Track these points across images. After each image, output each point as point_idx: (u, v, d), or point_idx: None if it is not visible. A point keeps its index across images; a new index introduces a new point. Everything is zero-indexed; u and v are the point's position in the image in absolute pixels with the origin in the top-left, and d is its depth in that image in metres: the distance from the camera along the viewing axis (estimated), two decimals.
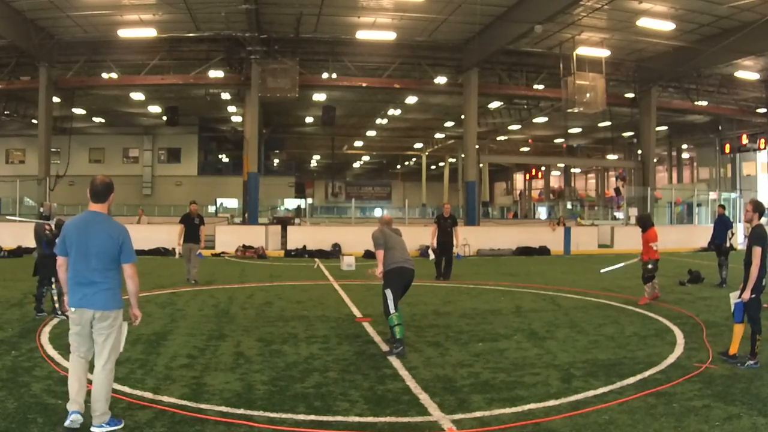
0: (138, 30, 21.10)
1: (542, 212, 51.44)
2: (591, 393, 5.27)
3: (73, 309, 4.32)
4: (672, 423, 4.54)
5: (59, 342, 6.88)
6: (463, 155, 27.80)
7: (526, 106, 31.68)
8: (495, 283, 13.15)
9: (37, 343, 6.84)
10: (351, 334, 7.75)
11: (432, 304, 10.12)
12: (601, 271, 12.57)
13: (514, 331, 7.99)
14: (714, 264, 13.23)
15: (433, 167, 57.95)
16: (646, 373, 5.85)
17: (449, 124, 38.19)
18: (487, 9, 19.49)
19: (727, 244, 13.23)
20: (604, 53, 22.99)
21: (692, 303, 10.34)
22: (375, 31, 21.94)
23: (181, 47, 23.52)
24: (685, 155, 44.54)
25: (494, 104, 31.19)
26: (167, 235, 20.53)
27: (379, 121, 38.54)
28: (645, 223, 10.72)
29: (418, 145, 49.81)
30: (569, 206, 47.71)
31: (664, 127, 36.38)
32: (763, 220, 6.52)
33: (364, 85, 25.42)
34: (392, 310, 6.78)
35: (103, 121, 37.29)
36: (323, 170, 63.47)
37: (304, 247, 20.36)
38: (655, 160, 30.78)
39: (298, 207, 41.99)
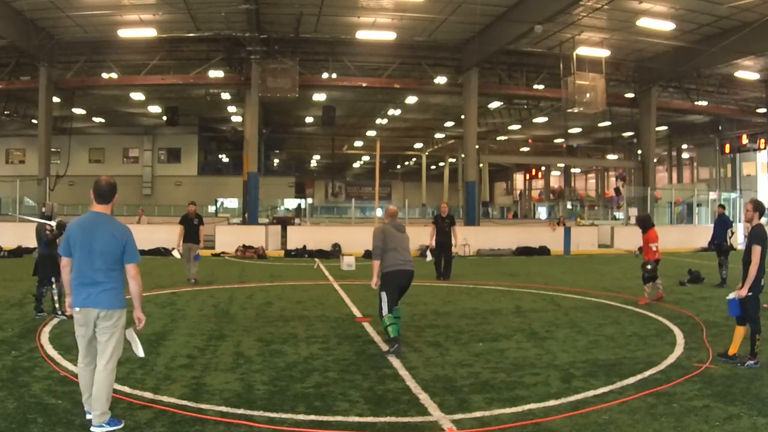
0: (138, 30, 21.11)
1: (542, 212, 51.46)
2: (591, 393, 5.27)
3: (77, 309, 4.34)
4: (672, 423, 4.54)
5: (59, 342, 6.89)
6: (463, 155, 27.81)
7: (526, 106, 31.68)
8: (495, 283, 13.15)
9: (37, 343, 6.83)
10: (351, 334, 7.75)
11: (432, 304, 10.12)
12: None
13: (514, 331, 7.99)
14: (714, 264, 13.23)
15: (433, 167, 57.95)
16: (646, 373, 5.85)
17: (449, 124, 38.20)
18: (487, 9, 19.49)
19: (728, 243, 13.23)
20: (604, 53, 23.00)
21: (692, 303, 10.34)
22: (375, 31, 21.95)
23: (181, 47, 23.52)
24: (685, 155, 44.55)
25: (494, 104, 31.19)
26: (167, 235, 20.51)
27: (379, 121, 38.55)
28: (645, 223, 10.71)
29: (418, 145, 49.81)
30: (569, 206, 47.72)
31: (664, 127, 36.39)
32: (763, 219, 6.52)
33: (364, 85, 25.42)
34: (386, 312, 6.76)
35: (103, 121, 37.30)
36: (323, 170, 63.47)
37: (304, 247, 20.36)
38: (655, 160, 30.78)
39: (298, 207, 42.02)
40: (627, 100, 27.48)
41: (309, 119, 37.62)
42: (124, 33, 21.09)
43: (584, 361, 6.40)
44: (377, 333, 7.69)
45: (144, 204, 34.15)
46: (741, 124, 33.68)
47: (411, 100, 30.38)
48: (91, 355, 4.38)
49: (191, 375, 5.72)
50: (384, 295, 6.82)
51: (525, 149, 47.98)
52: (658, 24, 19.87)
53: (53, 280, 8.30)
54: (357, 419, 4.65)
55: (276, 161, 47.38)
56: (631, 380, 5.63)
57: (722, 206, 15.26)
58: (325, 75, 24.34)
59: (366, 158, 59.86)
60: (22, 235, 19.67)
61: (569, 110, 23.92)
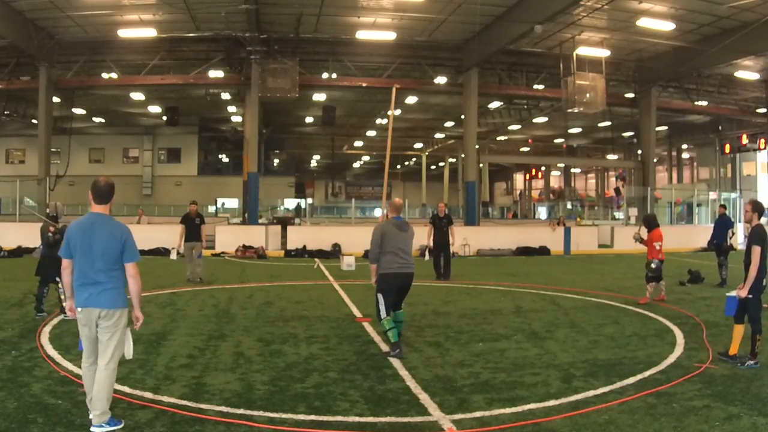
0: (138, 30, 21.11)
1: (542, 212, 51.45)
2: (591, 393, 5.27)
3: (79, 309, 4.36)
4: (672, 423, 4.54)
5: (59, 342, 6.89)
6: (463, 155, 27.81)
7: (526, 106, 31.68)
8: (495, 283, 13.15)
9: (37, 343, 6.84)
10: (351, 334, 7.75)
11: (432, 304, 10.12)
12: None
13: (514, 331, 7.99)
14: (714, 264, 13.23)
15: (433, 167, 57.95)
16: (646, 373, 5.85)
17: (449, 124, 38.19)
18: (487, 9, 19.48)
19: (728, 243, 13.23)
20: (604, 53, 23.00)
21: (692, 303, 10.34)
22: (375, 31, 21.95)
23: (181, 47, 23.52)
24: (685, 155, 44.55)
25: (494, 104, 31.18)
26: (167, 235, 20.54)
27: (379, 121, 38.55)
28: (650, 222, 10.77)
29: (418, 145, 49.80)
30: (569, 206, 47.72)
31: (664, 127, 36.39)
32: (762, 219, 6.52)
33: (364, 85, 25.41)
34: (383, 314, 6.62)
35: (103, 121, 37.29)
36: (323, 170, 63.46)
37: (304, 247, 20.35)
38: (655, 160, 30.78)
39: (298, 206, 42.01)
40: (627, 100, 27.48)
41: (309, 119, 37.61)
42: (124, 33, 21.08)
43: (584, 361, 6.40)
44: (377, 333, 7.69)
45: (144, 204, 34.13)
46: (741, 124, 33.69)
47: (411, 100, 30.37)
48: (96, 355, 4.39)
49: (191, 375, 5.73)
50: (380, 296, 6.68)
51: (525, 149, 47.97)
52: (658, 24, 19.86)
53: (58, 279, 8.29)
54: (357, 419, 4.65)
55: (276, 161, 47.38)
56: (631, 380, 5.63)
57: (723, 206, 15.26)
58: (325, 75, 24.34)
59: (366, 158, 59.86)
60: (22, 235, 19.69)
61: (569, 110, 23.93)
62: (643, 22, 19.76)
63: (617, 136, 35.67)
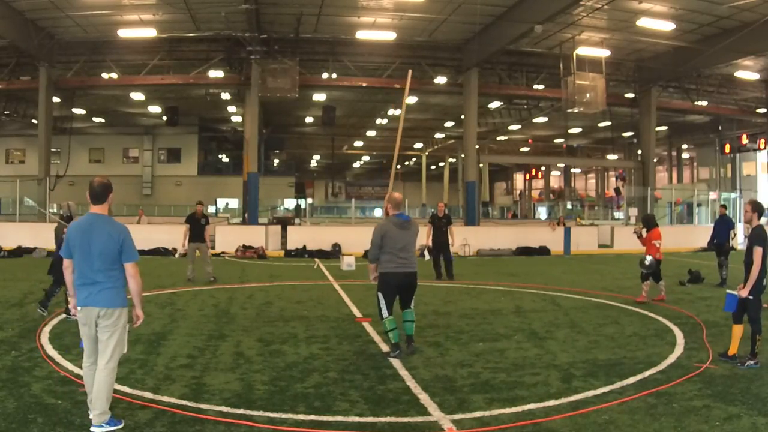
0: (138, 30, 21.12)
1: (542, 212, 51.46)
2: (591, 393, 5.27)
3: (79, 308, 4.38)
4: (672, 423, 4.54)
5: (59, 342, 6.89)
6: (463, 155, 27.81)
7: (526, 106, 31.68)
8: (495, 283, 13.15)
9: (37, 343, 6.83)
10: (351, 334, 7.74)
11: (432, 304, 10.12)
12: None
13: (514, 331, 7.99)
14: (714, 264, 13.23)
15: (433, 167, 57.96)
16: (646, 373, 5.85)
17: (449, 124, 38.20)
18: (487, 9, 19.49)
19: (730, 244, 13.23)
20: (604, 53, 23.00)
21: (692, 303, 10.34)
22: (375, 31, 21.95)
23: (181, 47, 23.53)
24: (685, 155, 44.56)
25: (494, 104, 31.18)
26: (167, 235, 20.56)
27: (379, 121, 38.55)
28: (649, 222, 10.80)
29: (418, 145, 49.80)
30: (569, 206, 47.73)
31: (664, 127, 36.39)
32: (762, 219, 6.52)
33: (364, 85, 25.43)
34: (385, 314, 6.52)
35: (103, 121, 37.31)
36: (323, 170, 63.47)
37: (304, 247, 20.35)
38: (655, 160, 30.79)
39: (298, 206, 42.00)
40: (627, 100, 27.48)
41: (309, 119, 37.61)
42: (124, 33, 21.10)
43: (584, 361, 6.40)
44: (377, 333, 7.69)
45: (144, 204, 34.17)
46: (741, 124, 33.69)
47: (411, 100, 30.34)
48: (96, 355, 4.40)
49: (191, 375, 5.73)
50: (380, 296, 6.58)
51: (525, 149, 47.97)
52: (658, 24, 19.87)
53: None
54: (357, 419, 4.65)
55: (276, 161, 47.37)
56: (631, 380, 5.63)
57: (724, 206, 15.26)
58: (325, 75, 24.34)
59: (366, 158, 59.86)
60: (22, 235, 19.71)
61: (569, 110, 23.93)
62: (643, 22, 19.77)
63: (617, 136, 35.68)
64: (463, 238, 19.92)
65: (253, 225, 22.76)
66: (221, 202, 37.96)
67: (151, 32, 21.18)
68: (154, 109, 32.97)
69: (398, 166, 61.42)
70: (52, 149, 25.07)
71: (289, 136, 45.37)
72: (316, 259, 18.81)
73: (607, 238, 24.40)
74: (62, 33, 22.07)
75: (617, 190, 35.35)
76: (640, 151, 29.33)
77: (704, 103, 28.25)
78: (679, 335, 7.64)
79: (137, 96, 29.24)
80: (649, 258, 10.35)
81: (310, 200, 56.18)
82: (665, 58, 24.13)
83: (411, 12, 20.24)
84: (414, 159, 57.29)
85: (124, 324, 4.44)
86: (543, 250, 21.64)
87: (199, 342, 7.11)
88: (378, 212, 56.81)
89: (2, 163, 39.34)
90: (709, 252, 16.02)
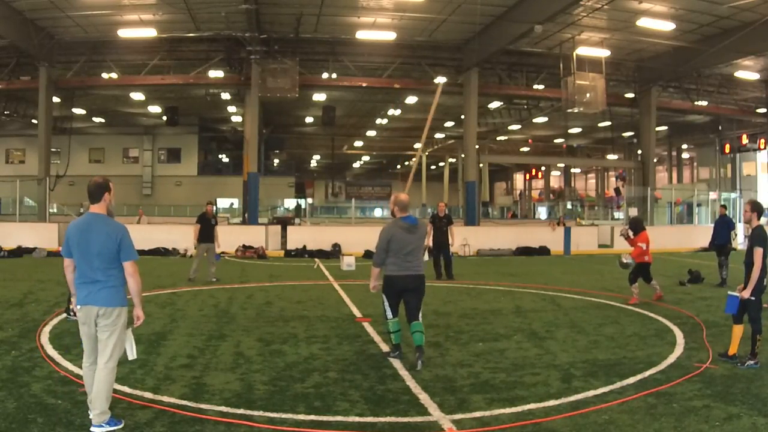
0: (138, 30, 21.11)
1: (542, 212, 51.46)
2: (591, 393, 5.27)
3: (79, 307, 4.39)
4: (672, 423, 4.54)
5: (59, 342, 6.89)
6: (463, 155, 27.81)
7: (526, 106, 31.67)
8: (495, 283, 13.15)
9: (37, 343, 6.83)
10: (351, 334, 7.74)
11: (432, 304, 10.10)
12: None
13: (514, 331, 7.99)
14: (714, 264, 13.23)
15: (433, 167, 57.96)
16: (646, 373, 5.85)
17: (449, 124, 38.18)
18: (487, 9, 19.49)
19: (731, 244, 13.23)
20: (604, 53, 23.00)
21: (692, 303, 10.34)
22: (375, 31, 21.95)
23: (181, 47, 23.52)
24: (685, 155, 44.56)
25: (494, 104, 31.18)
26: (167, 234, 20.60)
27: (379, 121, 38.55)
28: (636, 226, 10.80)
29: (418, 145, 49.74)
30: (569, 206, 47.72)
31: (664, 127, 36.39)
32: (762, 220, 6.52)
33: (364, 85, 25.42)
34: (389, 315, 6.39)
35: (103, 121, 37.31)
36: (323, 170, 63.49)
37: (304, 247, 20.35)
38: (655, 160, 30.78)
39: (298, 206, 42.00)
40: (627, 100, 27.48)
41: (309, 119, 37.61)
42: (124, 33, 21.09)
43: (584, 361, 6.40)
44: (377, 333, 7.70)
45: (144, 204, 34.14)
46: (741, 124, 33.68)
47: (411, 100, 30.38)
48: (96, 355, 4.41)
49: (191, 375, 5.73)
50: (384, 297, 6.45)
51: (525, 149, 47.97)
52: (658, 24, 19.86)
53: None
54: (357, 419, 4.65)
55: (276, 161, 47.38)
56: (631, 380, 5.63)
57: (724, 206, 15.26)
58: (325, 75, 24.34)
59: (366, 158, 59.87)
60: (22, 235, 19.72)
61: (569, 110, 23.94)
62: (643, 22, 19.76)
63: (617, 136, 35.68)
64: (463, 238, 19.92)
65: (253, 225, 22.76)
66: (226, 202, 37.91)
67: (151, 32, 21.17)
68: (154, 109, 32.97)
69: (398, 166, 61.69)
70: (52, 149, 25.06)
71: (289, 136, 45.37)
72: (316, 259, 18.81)
73: (607, 238, 24.40)
74: (62, 33, 22.07)
75: (617, 190, 35.37)
76: (640, 151, 29.33)
77: (704, 103, 28.24)
78: (679, 335, 7.64)
79: (137, 96, 29.24)
80: (627, 256, 10.52)
81: (310, 200, 56.19)
82: (665, 58, 24.13)
83: (411, 12, 20.24)
84: (414, 159, 57.28)
85: (123, 323, 4.44)
86: (543, 250, 21.64)
87: (199, 342, 7.11)
88: (378, 212, 56.90)
89: (2, 163, 39.34)
90: (709, 252, 16.03)
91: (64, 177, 25.09)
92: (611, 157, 41.92)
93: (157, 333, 7.47)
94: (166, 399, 4.99)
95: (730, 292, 6.42)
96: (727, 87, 28.34)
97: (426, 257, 13.42)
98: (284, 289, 11.92)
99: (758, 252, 6.13)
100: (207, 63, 23.60)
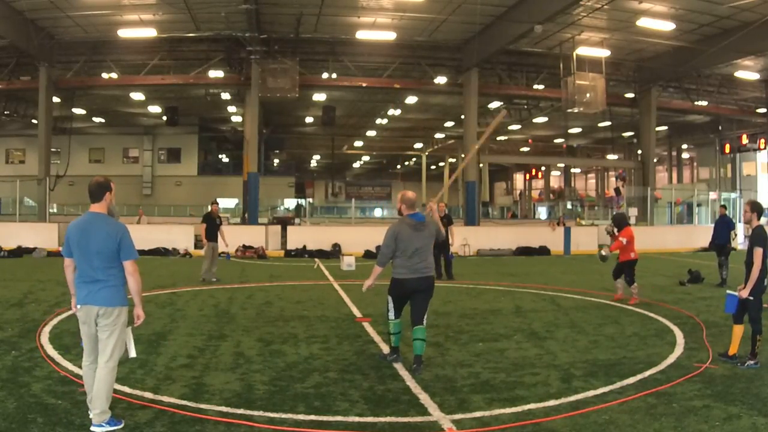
0: (138, 30, 21.12)
1: (542, 212, 51.46)
2: (591, 393, 5.27)
3: (78, 306, 4.40)
4: (672, 423, 4.54)
5: (59, 342, 6.89)
6: (463, 155, 27.79)
7: (526, 106, 31.67)
8: (495, 283, 13.15)
9: (37, 343, 6.83)
10: (351, 334, 7.74)
11: (432, 304, 9.90)
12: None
13: (514, 331, 7.99)
14: (714, 264, 13.23)
15: (433, 167, 57.97)
16: (646, 373, 5.85)
17: (449, 124, 38.21)
18: (487, 9, 19.49)
19: (731, 244, 13.22)
20: (604, 53, 23.01)
21: (692, 303, 10.34)
22: (375, 31, 21.96)
23: (181, 47, 23.53)
24: (685, 155, 44.57)
25: (494, 104, 31.17)
26: (167, 234, 20.60)
27: (379, 121, 38.56)
28: (620, 222, 10.85)
29: (418, 145, 49.82)
30: (569, 206, 47.71)
31: (664, 127, 36.40)
32: (762, 220, 6.52)
33: (364, 85, 25.43)
34: (391, 316, 6.22)
35: (103, 121, 37.31)
36: (323, 170, 63.50)
37: (304, 247, 20.35)
38: (655, 160, 30.79)
39: (298, 206, 41.99)
40: (627, 100, 27.49)
41: (309, 119, 37.62)
42: (124, 33, 21.09)
43: (584, 361, 6.40)
44: (377, 333, 7.70)
45: (144, 204, 34.15)
46: (741, 124, 33.69)
47: (411, 100, 30.39)
48: (96, 354, 4.41)
49: (191, 375, 5.72)
50: (389, 299, 6.25)
51: (525, 149, 47.98)
52: (658, 24, 19.87)
53: None
54: (357, 419, 4.65)
55: (276, 161, 47.40)
56: (631, 380, 5.63)
57: (724, 206, 15.26)
58: (325, 75, 24.35)
59: (366, 158, 59.86)
60: (22, 235, 19.71)
61: (569, 110, 23.94)
62: (643, 22, 19.77)
63: (617, 136, 35.69)
64: (463, 238, 19.93)
65: (253, 225, 22.76)
66: (229, 202, 37.87)
67: (151, 32, 21.18)
68: (154, 109, 32.97)
69: (398, 166, 61.69)
70: (52, 149, 25.07)
71: (289, 136, 45.38)
72: (316, 259, 18.81)
73: (607, 238, 24.28)
74: (62, 33, 22.07)
75: (617, 190, 35.34)
76: (640, 151, 29.34)
77: (704, 103, 28.25)
78: (679, 335, 7.64)
79: (137, 96, 29.24)
80: (606, 249, 10.82)
81: (310, 200, 56.20)
82: (665, 58, 24.13)
83: (411, 12, 20.25)
84: (414, 159, 57.31)
85: (123, 323, 4.44)
86: (543, 250, 21.64)
87: (199, 342, 7.11)
88: (378, 212, 56.88)
89: (2, 163, 39.35)
90: (709, 252, 16.04)
91: (64, 177, 25.09)
92: (611, 157, 41.93)
93: (157, 333, 7.47)
94: (166, 399, 4.99)
95: (728, 292, 6.42)
96: (727, 87, 28.35)
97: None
98: (284, 289, 11.92)
99: (758, 252, 6.13)
100: (207, 63, 23.61)
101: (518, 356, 6.61)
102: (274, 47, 22.51)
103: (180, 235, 20.60)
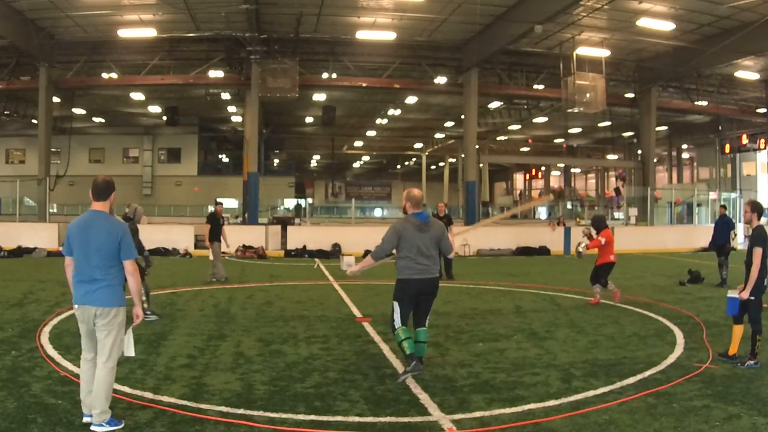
0: (138, 30, 21.11)
1: (542, 212, 51.43)
2: (591, 393, 5.27)
3: (76, 306, 4.38)
4: (672, 423, 4.54)
5: (59, 342, 6.89)
6: (463, 155, 27.81)
7: (526, 106, 31.68)
8: (495, 283, 13.15)
9: (37, 343, 6.83)
10: (351, 334, 7.74)
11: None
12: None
13: (514, 331, 7.99)
14: (714, 264, 13.23)
15: (433, 167, 57.95)
16: (646, 373, 5.85)
17: (449, 124, 38.20)
18: (487, 9, 19.49)
19: (730, 244, 13.22)
20: (604, 53, 23.00)
21: (692, 303, 10.34)
22: (375, 31, 21.95)
23: (181, 47, 23.53)
24: (685, 155, 44.55)
25: (494, 104, 31.19)
26: (167, 235, 20.60)
27: (379, 121, 38.56)
28: (599, 224, 10.80)
29: (418, 145, 49.82)
30: (569, 206, 47.70)
31: (664, 127, 36.39)
32: (763, 220, 6.52)
33: (364, 85, 25.42)
34: (397, 324, 5.81)
35: (103, 121, 37.30)
36: (323, 170, 63.48)
37: (304, 247, 20.35)
38: (655, 160, 30.78)
39: (298, 206, 41.99)
40: (627, 100, 27.48)
41: (309, 119, 37.62)
42: (124, 33, 21.08)
43: (584, 361, 6.40)
44: (377, 333, 7.70)
45: (144, 204, 33.96)
46: (741, 124, 33.68)
47: (411, 100, 30.38)
48: (95, 351, 4.41)
49: (191, 375, 5.72)
50: (395, 305, 5.87)
51: (525, 149, 47.98)
52: (658, 24, 19.87)
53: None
54: (357, 419, 4.65)
55: (276, 161, 47.39)
56: (631, 380, 5.63)
57: (724, 206, 15.27)
58: (325, 75, 24.34)
59: (366, 158, 59.85)
60: (22, 235, 19.71)
61: (569, 110, 23.92)
62: (643, 22, 19.77)
63: (617, 136, 35.69)
64: (463, 238, 19.92)
65: (253, 225, 22.76)
66: (233, 203, 37.85)
67: (151, 32, 21.17)
68: (154, 109, 32.96)
69: (398, 166, 61.66)
70: (52, 149, 25.06)
71: (289, 136, 45.37)
72: (316, 259, 18.81)
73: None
74: (62, 33, 22.06)
75: (617, 190, 35.35)
76: (640, 151, 29.33)
77: (704, 103, 28.25)
78: (679, 335, 7.64)
79: (137, 96, 29.23)
80: (583, 246, 10.89)
81: (310, 200, 56.20)
82: (665, 58, 24.13)
83: (411, 12, 20.24)
84: (414, 159, 57.30)
85: (121, 323, 4.43)
86: (543, 250, 21.64)
87: (199, 342, 7.11)
88: (378, 212, 56.88)
89: (2, 163, 39.33)
90: (709, 252, 16.03)
91: (64, 177, 25.09)
92: (611, 157, 41.94)
93: (157, 333, 7.47)
94: (166, 399, 4.99)
95: (729, 294, 6.41)
96: (727, 87, 28.35)
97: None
98: (284, 289, 11.92)
99: (758, 252, 6.13)
100: (207, 63, 23.60)
101: (518, 356, 6.61)
102: (274, 47, 22.49)
103: (180, 235, 20.60)
